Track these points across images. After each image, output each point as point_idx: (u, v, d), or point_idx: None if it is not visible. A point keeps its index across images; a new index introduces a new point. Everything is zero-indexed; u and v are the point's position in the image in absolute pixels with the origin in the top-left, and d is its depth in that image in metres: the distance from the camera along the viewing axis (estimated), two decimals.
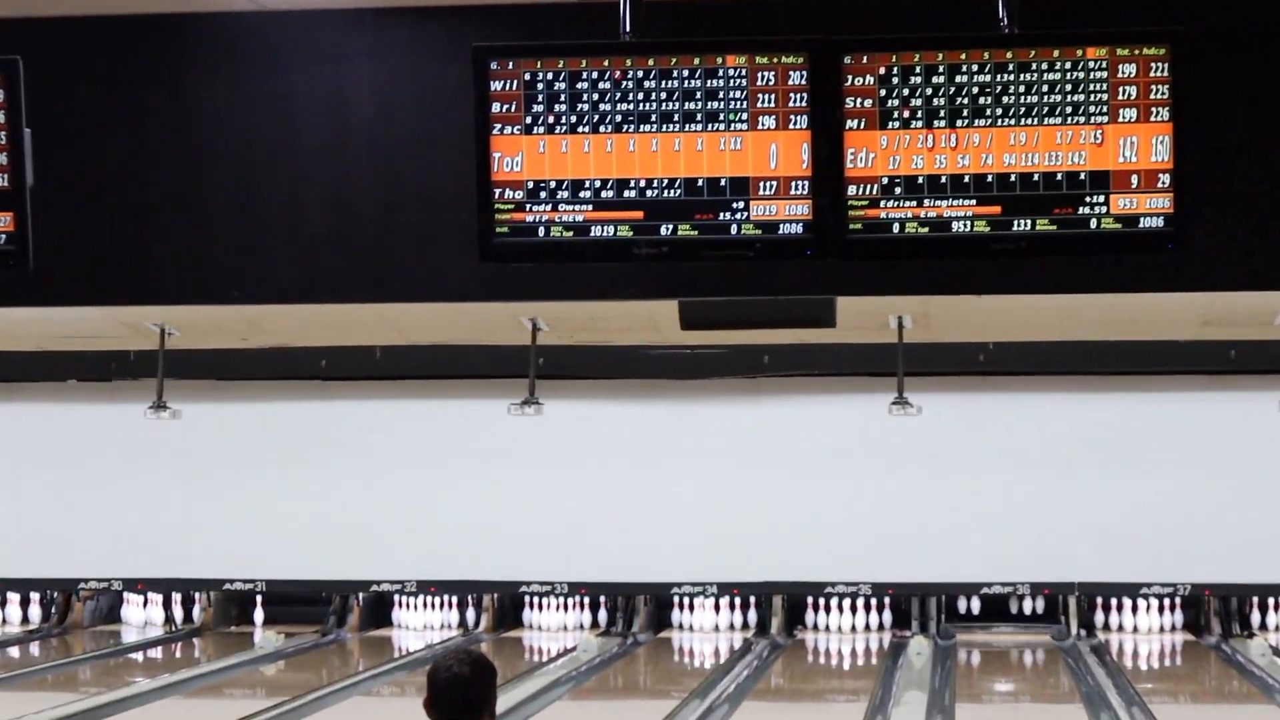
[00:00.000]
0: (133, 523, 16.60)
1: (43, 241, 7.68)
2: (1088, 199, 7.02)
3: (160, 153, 7.74)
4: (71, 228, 7.72)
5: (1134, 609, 17.66)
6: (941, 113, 7.05)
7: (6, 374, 15.81)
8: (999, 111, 7.04)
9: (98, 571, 16.79)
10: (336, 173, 7.69)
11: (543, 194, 7.26)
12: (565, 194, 7.24)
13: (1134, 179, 7.01)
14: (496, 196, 7.27)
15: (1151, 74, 6.93)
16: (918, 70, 7.04)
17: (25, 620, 19.19)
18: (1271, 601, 17.54)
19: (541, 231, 7.28)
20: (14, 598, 18.96)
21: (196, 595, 18.61)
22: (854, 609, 17.91)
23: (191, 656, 17.02)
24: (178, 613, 18.96)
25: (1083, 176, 7.02)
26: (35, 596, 18.42)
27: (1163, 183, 6.99)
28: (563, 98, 7.22)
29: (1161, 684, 15.25)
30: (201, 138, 7.74)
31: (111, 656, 17.12)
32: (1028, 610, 18.12)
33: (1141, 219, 7.01)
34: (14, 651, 17.30)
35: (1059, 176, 7.03)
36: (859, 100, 7.07)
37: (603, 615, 18.44)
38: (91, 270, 7.85)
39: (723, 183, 7.16)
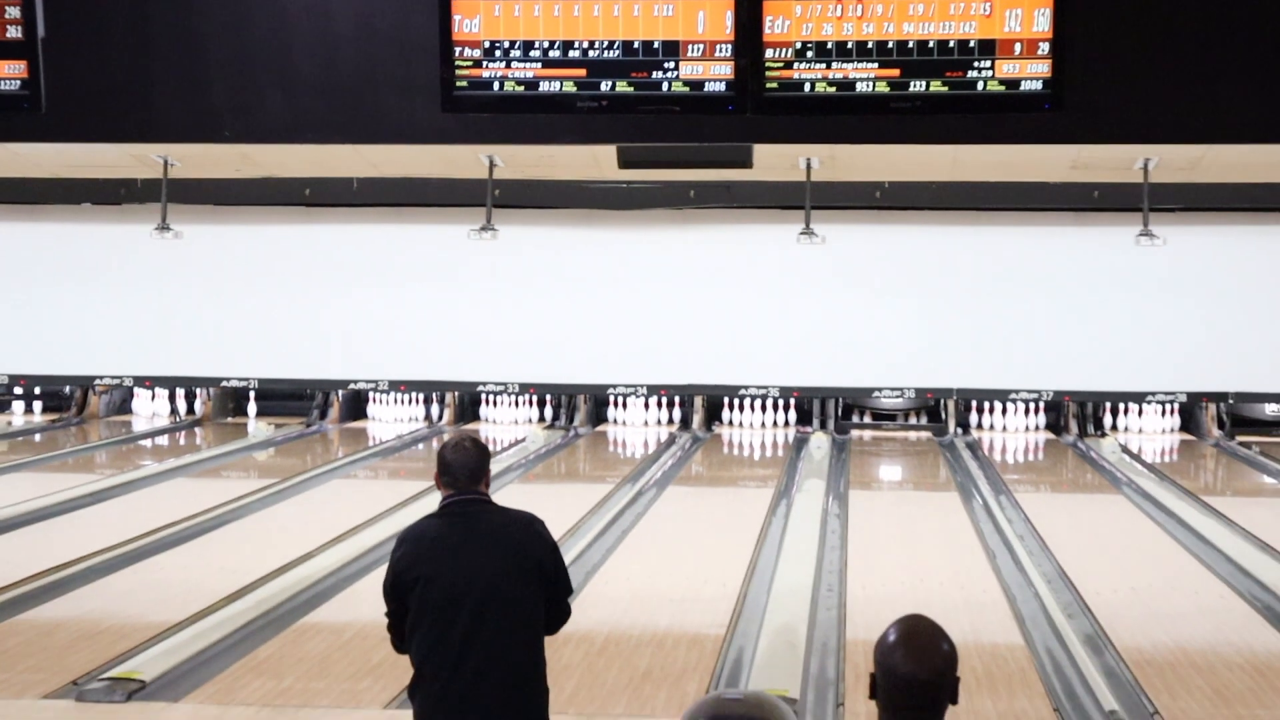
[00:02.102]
0: (143, 327, 16.45)
1: (54, 86, 7.48)
2: (976, 64, 6.92)
3: (160, 6, 7.53)
4: (80, 73, 7.51)
5: (1004, 411, 17.83)
6: None
7: (28, 198, 15.59)
8: None
9: (112, 369, 16.66)
10: (320, 25, 7.50)
11: (498, 52, 7.12)
12: (518, 53, 7.10)
13: (1017, 46, 6.91)
14: (457, 54, 7.13)
15: None
16: None
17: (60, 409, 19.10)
18: (1122, 407, 17.73)
19: (496, 85, 7.14)
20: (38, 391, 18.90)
21: (198, 390, 18.58)
22: (764, 408, 18.04)
23: (194, 444, 17.02)
24: (182, 405, 18.95)
25: (972, 44, 6.91)
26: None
27: (1042, 50, 6.89)
28: None
29: (1025, 475, 15.41)
30: None
31: (124, 443, 17.11)
32: (913, 415, 18.28)
33: (1022, 82, 6.91)
34: (39, 438, 17.28)
35: (951, 44, 6.92)
36: None
37: (548, 411, 18.51)
38: (99, 111, 7.64)
39: (656, 45, 7.02)
